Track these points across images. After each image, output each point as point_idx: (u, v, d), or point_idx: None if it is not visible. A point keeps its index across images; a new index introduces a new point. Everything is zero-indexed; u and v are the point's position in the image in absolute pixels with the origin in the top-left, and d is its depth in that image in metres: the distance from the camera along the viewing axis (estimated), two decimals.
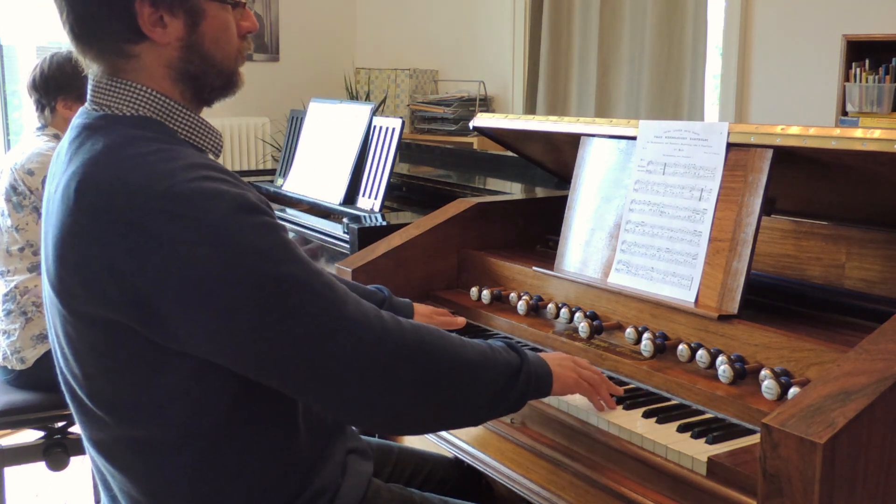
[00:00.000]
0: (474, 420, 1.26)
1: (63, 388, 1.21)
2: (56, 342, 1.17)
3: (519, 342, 1.73)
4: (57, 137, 2.49)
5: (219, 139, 1.22)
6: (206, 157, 1.12)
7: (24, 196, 2.38)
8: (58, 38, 4.09)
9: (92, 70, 1.17)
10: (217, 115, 4.39)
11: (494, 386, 1.20)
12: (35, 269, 2.40)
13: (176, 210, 1.01)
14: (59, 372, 1.21)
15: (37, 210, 2.38)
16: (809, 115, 3.67)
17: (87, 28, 1.13)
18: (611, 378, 1.50)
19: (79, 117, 1.17)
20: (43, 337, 2.38)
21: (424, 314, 1.72)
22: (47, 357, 2.37)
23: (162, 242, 1.01)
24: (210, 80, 1.19)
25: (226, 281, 1.01)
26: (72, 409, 1.21)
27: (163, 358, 1.08)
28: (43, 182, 2.34)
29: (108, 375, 1.11)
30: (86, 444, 1.22)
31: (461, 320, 1.78)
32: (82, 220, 1.04)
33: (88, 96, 1.17)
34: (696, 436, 1.26)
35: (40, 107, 2.52)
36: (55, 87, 2.47)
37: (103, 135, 1.10)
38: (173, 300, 1.02)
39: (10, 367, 2.41)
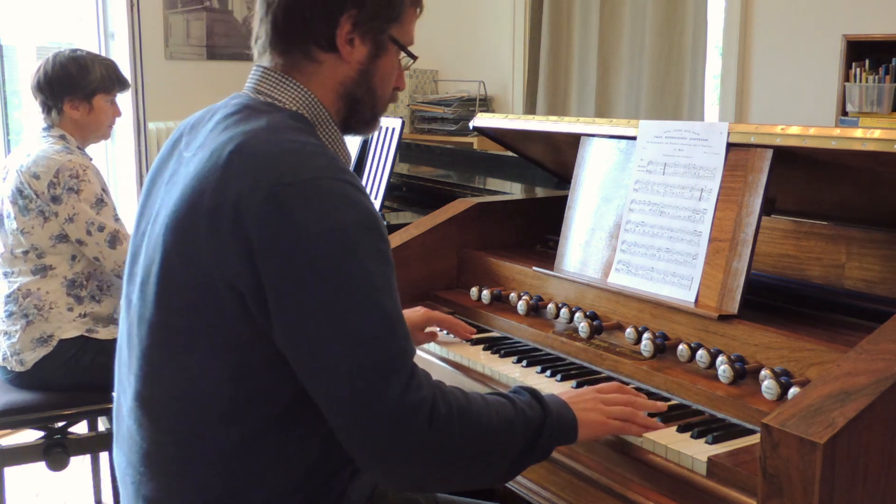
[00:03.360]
0: (497, 481, 1.24)
1: (124, 328, 1.24)
2: (143, 270, 1.18)
3: (519, 342, 1.73)
4: (63, 139, 2.44)
5: (350, 160, 1.29)
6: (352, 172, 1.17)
7: (30, 199, 2.34)
8: (58, 38, 4.09)
9: (264, 60, 1.25)
10: None
11: (517, 449, 1.18)
12: (39, 272, 2.37)
13: (315, 199, 1.07)
14: (125, 310, 1.24)
15: (42, 213, 2.34)
16: (809, 115, 3.67)
17: (292, 21, 1.20)
18: (610, 379, 1.50)
19: (238, 98, 1.23)
20: (43, 341, 2.36)
21: (414, 321, 1.69)
22: (46, 361, 2.36)
23: (292, 222, 1.05)
24: (365, 110, 1.28)
25: (326, 280, 1.05)
26: (124, 357, 1.24)
27: (249, 331, 1.10)
28: (49, 186, 2.31)
29: (190, 331, 1.13)
30: (128, 399, 1.22)
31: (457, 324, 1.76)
32: (227, 175, 1.09)
33: (251, 83, 1.25)
34: (696, 436, 1.26)
35: (46, 108, 2.46)
36: (60, 88, 2.42)
37: (267, 116, 1.17)
38: (275, 273, 1.06)
39: (9, 368, 2.40)
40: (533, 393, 1.24)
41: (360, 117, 1.29)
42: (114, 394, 1.31)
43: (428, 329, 1.73)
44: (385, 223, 1.15)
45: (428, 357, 1.72)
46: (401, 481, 1.14)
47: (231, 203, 1.07)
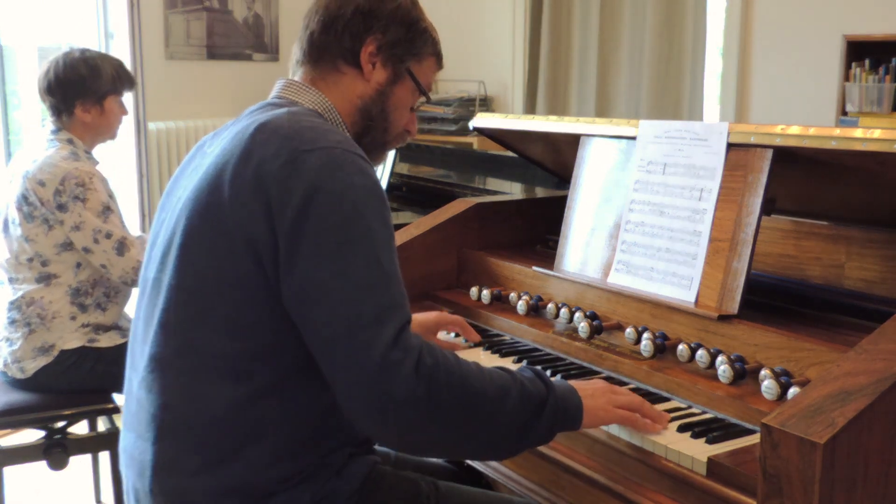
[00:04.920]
0: (498, 454, 1.27)
1: (141, 311, 1.30)
2: (163, 245, 1.27)
3: (519, 342, 1.73)
4: (71, 143, 2.40)
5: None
6: None
7: (35, 207, 2.30)
8: (58, 38, 4.09)
9: (297, 74, 1.40)
10: (218, 116, 4.40)
11: (516, 421, 1.19)
12: (43, 280, 2.35)
13: (330, 164, 1.18)
14: (141, 293, 1.31)
15: (46, 222, 2.31)
16: (809, 115, 3.67)
17: (326, 34, 1.38)
18: (610, 379, 1.50)
19: (260, 102, 1.37)
20: (44, 350, 2.35)
21: (427, 325, 1.70)
22: (46, 370, 2.35)
23: (307, 181, 1.16)
24: (376, 132, 1.41)
25: (334, 234, 1.15)
26: (139, 335, 1.30)
27: (259, 290, 1.18)
28: (55, 193, 2.28)
29: (204, 290, 1.21)
30: (139, 372, 1.27)
31: (475, 336, 1.74)
32: (250, 147, 1.21)
33: (274, 92, 1.40)
34: (696, 436, 1.26)
35: (56, 112, 2.41)
36: (72, 91, 2.38)
37: (287, 107, 1.32)
38: (289, 225, 1.15)
39: (9, 374, 2.39)
40: (537, 372, 1.26)
41: (372, 138, 1.41)
42: (123, 382, 1.35)
43: (441, 335, 1.74)
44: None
45: None
46: (388, 435, 1.17)
47: (253, 168, 1.18)
